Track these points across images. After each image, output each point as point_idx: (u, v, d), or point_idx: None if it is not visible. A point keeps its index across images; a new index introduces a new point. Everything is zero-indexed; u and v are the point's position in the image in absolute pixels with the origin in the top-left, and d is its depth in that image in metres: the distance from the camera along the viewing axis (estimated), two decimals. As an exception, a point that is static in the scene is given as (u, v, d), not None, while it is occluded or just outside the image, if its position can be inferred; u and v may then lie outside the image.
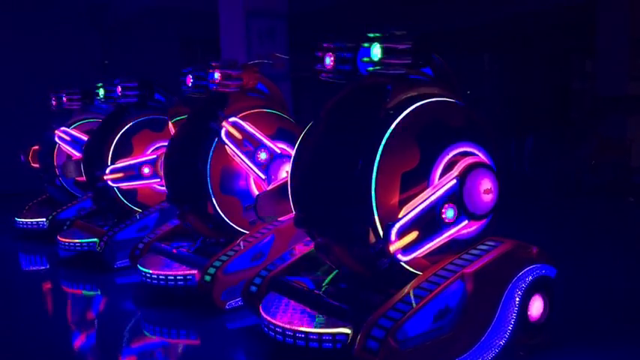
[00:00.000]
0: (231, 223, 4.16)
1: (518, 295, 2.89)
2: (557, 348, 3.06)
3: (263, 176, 4.03)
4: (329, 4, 10.27)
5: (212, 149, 4.10)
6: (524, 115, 10.37)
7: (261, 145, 4.06)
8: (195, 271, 3.96)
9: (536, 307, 3.00)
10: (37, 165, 7.35)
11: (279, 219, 3.94)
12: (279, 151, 4.10)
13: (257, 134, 4.06)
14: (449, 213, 2.76)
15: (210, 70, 4.26)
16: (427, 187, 2.84)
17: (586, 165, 7.59)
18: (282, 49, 7.24)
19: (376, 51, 2.90)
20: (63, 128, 6.54)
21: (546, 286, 3.01)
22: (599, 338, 3.21)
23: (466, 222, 2.83)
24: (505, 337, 2.86)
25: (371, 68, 2.96)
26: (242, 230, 4.17)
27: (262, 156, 4.05)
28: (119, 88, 5.39)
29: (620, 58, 8.76)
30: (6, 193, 9.63)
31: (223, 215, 4.13)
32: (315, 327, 2.81)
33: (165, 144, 5.00)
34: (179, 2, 10.52)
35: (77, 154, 6.34)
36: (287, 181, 3.44)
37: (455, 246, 2.96)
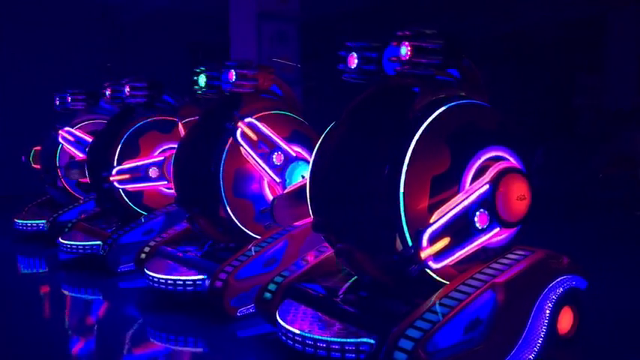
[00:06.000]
0: (242, 227, 4.02)
1: (549, 307, 2.78)
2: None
3: (278, 179, 3.91)
4: (339, 11, 10.19)
5: (225, 151, 3.98)
6: (531, 127, 10.36)
7: (276, 148, 3.93)
8: (204, 276, 3.82)
9: (566, 320, 2.88)
10: (38, 166, 7.19)
11: (293, 224, 3.81)
12: (294, 154, 3.98)
13: (273, 136, 3.94)
14: (481, 219, 2.65)
15: (224, 70, 4.14)
16: (457, 192, 2.73)
17: (595, 179, 7.50)
18: (293, 54, 7.14)
19: (405, 49, 2.80)
20: (67, 128, 6.39)
21: (576, 299, 2.90)
22: (629, 354, 3.08)
23: (498, 229, 2.72)
24: (535, 351, 2.74)
25: (399, 68, 2.85)
26: (253, 235, 4.04)
27: (277, 158, 3.92)
28: (127, 88, 5.27)
29: (629, 72, 8.73)
30: (5, 195, 9.45)
31: (235, 219, 3.99)
32: (337, 336, 2.68)
33: (173, 146, 4.89)
34: (187, 5, 10.40)
35: (80, 155, 6.19)
36: (304, 185, 3.32)
37: (483, 255, 2.84)
